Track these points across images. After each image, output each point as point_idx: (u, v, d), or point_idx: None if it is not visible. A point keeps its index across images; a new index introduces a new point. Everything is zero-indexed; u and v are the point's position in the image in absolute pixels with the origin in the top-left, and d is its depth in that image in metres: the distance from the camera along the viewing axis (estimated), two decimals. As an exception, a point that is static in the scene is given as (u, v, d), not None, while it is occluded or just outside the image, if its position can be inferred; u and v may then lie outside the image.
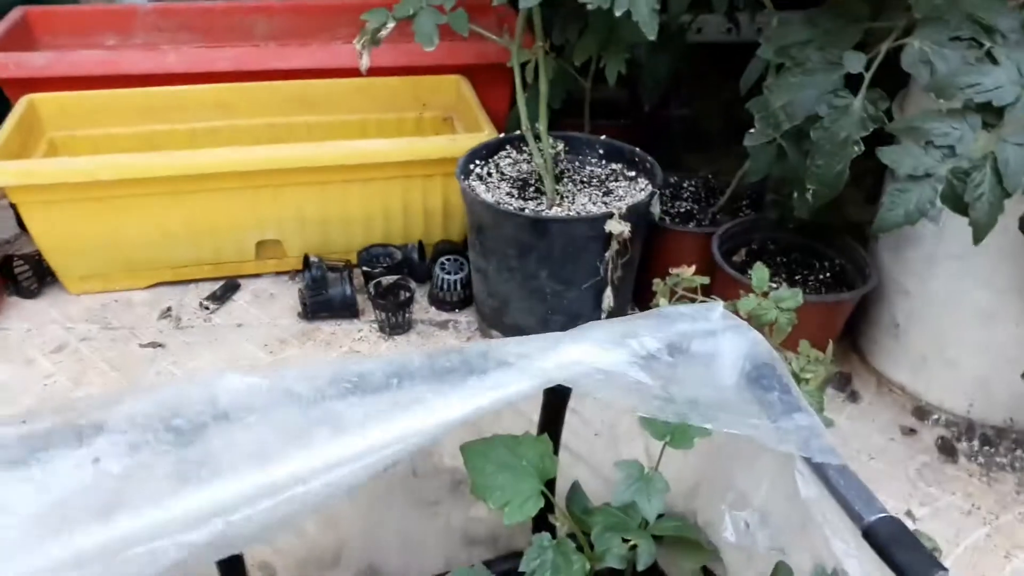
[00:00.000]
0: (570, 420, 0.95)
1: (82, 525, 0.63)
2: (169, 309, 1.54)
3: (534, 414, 0.94)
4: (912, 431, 1.33)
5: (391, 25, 1.29)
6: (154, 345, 1.45)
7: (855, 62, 1.06)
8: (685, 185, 1.63)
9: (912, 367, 1.37)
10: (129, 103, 1.64)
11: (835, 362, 1.48)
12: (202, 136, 1.68)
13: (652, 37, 1.16)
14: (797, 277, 1.42)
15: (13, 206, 1.54)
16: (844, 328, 1.45)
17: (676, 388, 0.85)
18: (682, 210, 1.57)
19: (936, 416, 1.35)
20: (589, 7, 1.17)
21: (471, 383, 0.79)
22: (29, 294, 1.54)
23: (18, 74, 1.58)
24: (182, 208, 1.49)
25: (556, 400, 0.91)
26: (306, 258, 1.58)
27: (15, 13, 1.79)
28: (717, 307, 0.92)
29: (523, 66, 1.46)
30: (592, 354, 0.84)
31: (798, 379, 1.06)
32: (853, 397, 1.41)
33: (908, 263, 1.32)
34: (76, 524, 0.63)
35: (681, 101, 1.92)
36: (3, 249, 1.68)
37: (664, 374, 0.86)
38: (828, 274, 1.42)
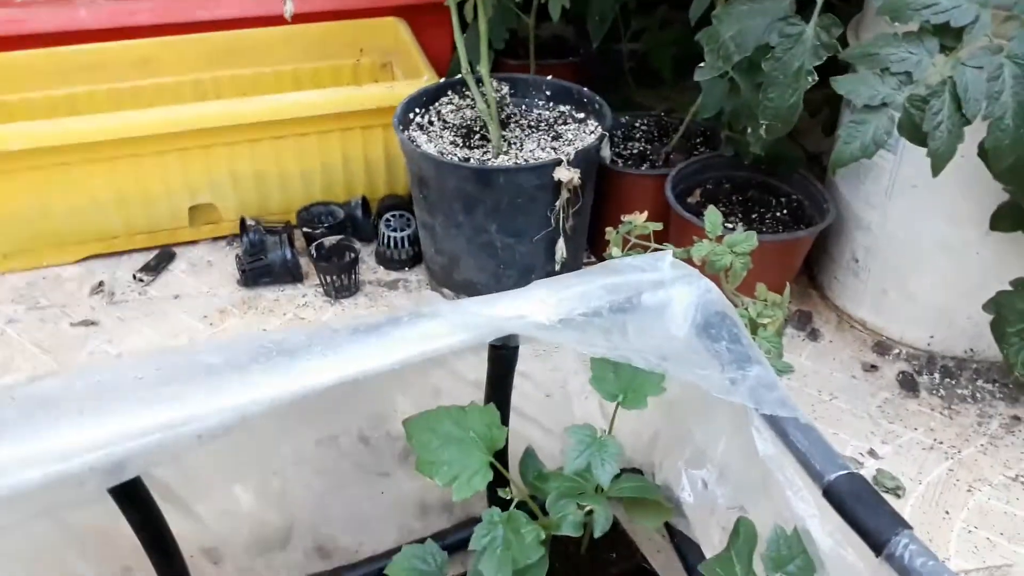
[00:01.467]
0: (520, 384, 0.91)
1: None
2: (101, 284, 1.46)
3: (481, 384, 0.89)
4: (873, 367, 1.31)
5: (312, -34, 1.20)
6: (87, 323, 1.38)
7: (805, -15, 0.99)
8: (637, 124, 1.57)
9: (872, 302, 1.35)
10: (44, 65, 1.53)
11: (795, 300, 1.45)
12: (125, 96, 1.58)
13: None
14: (754, 215, 1.37)
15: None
16: (803, 265, 1.41)
17: (621, 340, 0.81)
18: (635, 151, 1.51)
19: (897, 351, 1.33)
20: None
21: (398, 335, 0.73)
22: (-52, 275, 1.44)
23: (-87, 40, 1.45)
24: (107, 175, 1.40)
25: (502, 362, 0.86)
26: (243, 221, 1.50)
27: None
28: (667, 256, 0.87)
29: (461, 4, 1.37)
30: (533, 310, 0.79)
31: (755, 325, 1.02)
32: (814, 335, 1.38)
33: (866, 196, 1.28)
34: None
35: (631, 34, 1.84)
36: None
37: (609, 328, 0.81)
38: (785, 211, 1.38)
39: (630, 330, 0.80)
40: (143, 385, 0.62)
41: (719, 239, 1.04)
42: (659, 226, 1.12)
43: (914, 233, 1.24)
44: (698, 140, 1.51)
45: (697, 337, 0.80)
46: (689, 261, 1.05)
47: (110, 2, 1.58)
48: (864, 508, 0.62)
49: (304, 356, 0.68)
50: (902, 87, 0.88)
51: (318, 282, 1.47)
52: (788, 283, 1.11)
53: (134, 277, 1.47)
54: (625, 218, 1.15)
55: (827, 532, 0.66)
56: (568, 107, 1.45)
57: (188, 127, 1.36)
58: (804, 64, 1.00)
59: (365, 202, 1.57)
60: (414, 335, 0.71)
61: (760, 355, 0.79)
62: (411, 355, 0.70)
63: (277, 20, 1.57)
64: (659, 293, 0.84)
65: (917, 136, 0.89)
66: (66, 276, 1.48)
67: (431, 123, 1.41)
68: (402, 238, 1.50)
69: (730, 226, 1.33)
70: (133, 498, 0.71)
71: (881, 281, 1.31)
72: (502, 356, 0.85)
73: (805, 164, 1.44)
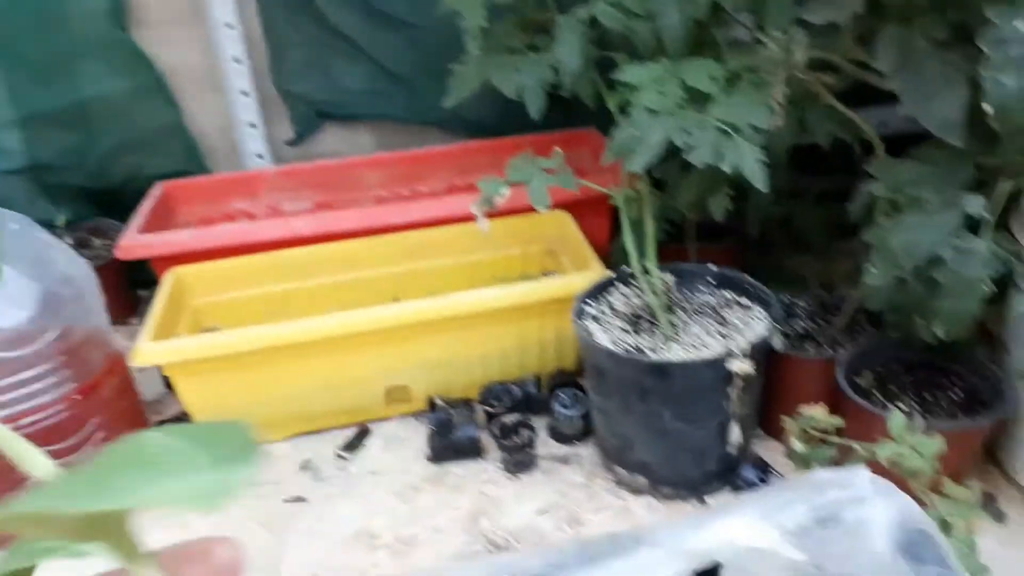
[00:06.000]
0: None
1: None
2: (308, 461, 1.63)
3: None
4: (1072, 555, 1.27)
5: (505, 191, 1.38)
6: (297, 500, 1.54)
7: (975, 205, 1.07)
8: (797, 303, 1.64)
9: (1063, 486, 1.32)
10: (264, 266, 1.78)
11: (975, 477, 1.44)
12: (330, 290, 1.80)
13: (765, 189, 1.20)
14: (927, 395, 1.39)
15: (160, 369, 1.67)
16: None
17: (829, 564, 0.86)
18: (799, 329, 1.57)
19: (1097, 538, 1.29)
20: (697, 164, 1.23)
21: (620, 566, 0.82)
22: (183, 454, 1.65)
23: (165, 252, 1.74)
24: (318, 366, 1.59)
25: (709, 577, 0.93)
26: (431, 400, 1.66)
27: (156, 189, 1.98)
28: (863, 471, 0.92)
29: (627, 203, 1.52)
30: (742, 532, 0.86)
31: (947, 526, 1.04)
32: (999, 517, 1.36)
33: (1046, 380, 1.29)
34: None
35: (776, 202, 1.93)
36: (152, 408, 1.82)
37: (815, 549, 0.86)
38: (959, 391, 1.39)
39: (833, 552, 0.85)
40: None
41: (904, 439, 1.08)
42: (840, 422, 1.17)
43: (1103, 420, 1.23)
44: (862, 317, 1.56)
45: (902, 558, 0.84)
46: (873, 459, 1.10)
47: (321, 214, 1.84)
48: None
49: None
50: (1083, 306, 0.93)
51: (497, 456, 1.58)
52: (974, 484, 1.13)
53: (336, 455, 1.64)
54: (804, 411, 1.21)
55: None
56: (732, 293, 1.55)
57: (391, 324, 1.54)
58: (980, 275, 1.06)
59: (538, 378, 1.70)
60: (634, 565, 0.80)
61: (968, 578, 0.82)
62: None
63: (458, 219, 1.77)
64: (858, 510, 0.89)
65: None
66: (277, 453, 1.66)
67: (603, 313, 1.54)
68: (574, 415, 1.61)
69: (904, 408, 1.35)
70: None
71: (1071, 466, 1.29)
72: (708, 571, 0.92)
73: (978, 342, 1.46)
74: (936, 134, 1.03)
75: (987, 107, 0.89)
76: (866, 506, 0.89)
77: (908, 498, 0.90)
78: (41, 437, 1.46)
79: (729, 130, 1.17)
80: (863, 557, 0.86)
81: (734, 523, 0.87)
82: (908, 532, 0.87)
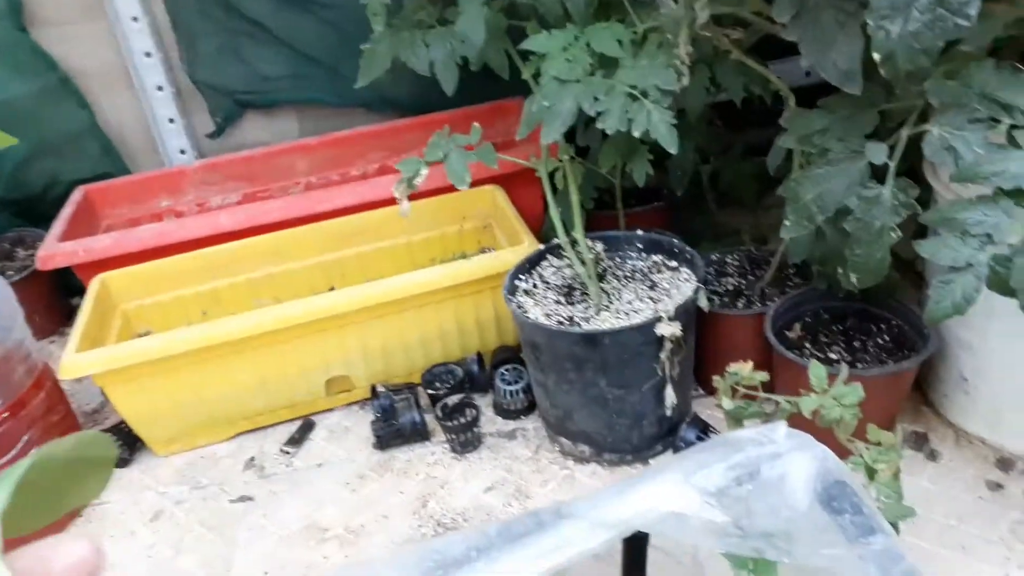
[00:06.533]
0: (653, 556, 0.98)
1: None
2: (252, 459, 1.61)
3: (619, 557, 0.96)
4: (999, 486, 1.31)
5: (424, 172, 1.35)
6: (243, 499, 1.52)
7: (877, 153, 1.07)
8: (728, 260, 1.65)
9: (988, 419, 1.35)
10: (192, 265, 1.74)
11: (909, 418, 1.47)
12: (261, 284, 1.77)
13: (674, 151, 1.19)
14: (856, 344, 1.41)
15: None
16: (912, 383, 1.43)
17: (749, 521, 0.87)
18: (729, 287, 1.58)
19: (1021, 466, 1.33)
20: (608, 131, 1.22)
21: (544, 543, 0.82)
22: (123, 463, 1.63)
23: (87, 259, 1.69)
24: (255, 362, 1.56)
25: (636, 545, 0.94)
26: (373, 388, 1.64)
27: (77, 194, 1.92)
28: (781, 426, 0.93)
29: (552, 174, 1.51)
30: (662, 498, 0.86)
31: (872, 471, 1.06)
32: (932, 455, 1.39)
33: (967, 318, 1.29)
34: None
35: (711, 168, 1.93)
36: (90, 418, 1.78)
37: (736, 508, 0.87)
38: (887, 336, 1.41)
39: (754, 509, 0.86)
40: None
41: (825, 390, 1.09)
42: (766, 376, 1.18)
43: (1019, 353, 1.26)
44: (791, 271, 1.58)
45: (820, 509, 0.86)
46: (798, 411, 1.11)
47: (244, 207, 1.80)
48: None
49: (468, 569, 0.78)
50: (984, 247, 0.94)
51: (444, 439, 1.58)
52: (900, 427, 1.15)
53: (280, 450, 1.62)
54: (731, 368, 1.22)
55: None
56: (660, 257, 1.55)
57: (325, 314, 1.52)
58: (885, 223, 1.07)
59: (480, 357, 1.69)
60: (557, 540, 0.80)
61: (883, 522, 0.84)
62: (559, 562, 0.78)
63: (388, 202, 1.75)
64: (777, 465, 0.90)
65: (1008, 290, 0.94)
66: (221, 454, 1.64)
67: (535, 286, 1.53)
68: (516, 390, 1.61)
69: (834, 358, 1.37)
70: None
71: (993, 400, 1.33)
72: (634, 538, 0.92)
73: (901, 286, 1.48)
74: (834, 84, 1.03)
75: (875, 54, 0.89)
76: (784, 461, 0.90)
77: (826, 449, 0.91)
78: (-29, 458, 1.43)
79: (637, 94, 1.16)
80: (783, 512, 0.87)
81: (655, 489, 0.87)
82: (826, 483, 0.88)
